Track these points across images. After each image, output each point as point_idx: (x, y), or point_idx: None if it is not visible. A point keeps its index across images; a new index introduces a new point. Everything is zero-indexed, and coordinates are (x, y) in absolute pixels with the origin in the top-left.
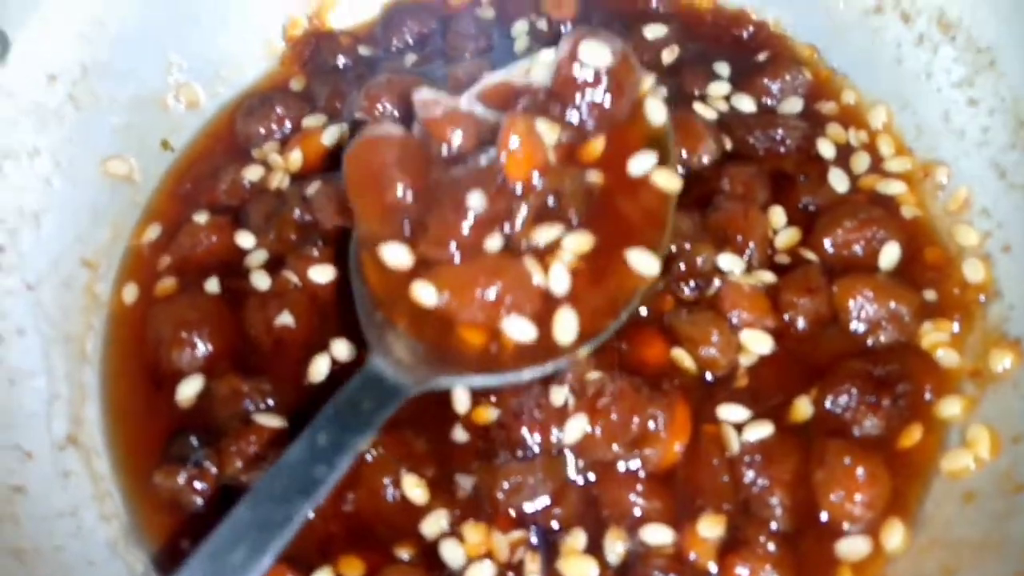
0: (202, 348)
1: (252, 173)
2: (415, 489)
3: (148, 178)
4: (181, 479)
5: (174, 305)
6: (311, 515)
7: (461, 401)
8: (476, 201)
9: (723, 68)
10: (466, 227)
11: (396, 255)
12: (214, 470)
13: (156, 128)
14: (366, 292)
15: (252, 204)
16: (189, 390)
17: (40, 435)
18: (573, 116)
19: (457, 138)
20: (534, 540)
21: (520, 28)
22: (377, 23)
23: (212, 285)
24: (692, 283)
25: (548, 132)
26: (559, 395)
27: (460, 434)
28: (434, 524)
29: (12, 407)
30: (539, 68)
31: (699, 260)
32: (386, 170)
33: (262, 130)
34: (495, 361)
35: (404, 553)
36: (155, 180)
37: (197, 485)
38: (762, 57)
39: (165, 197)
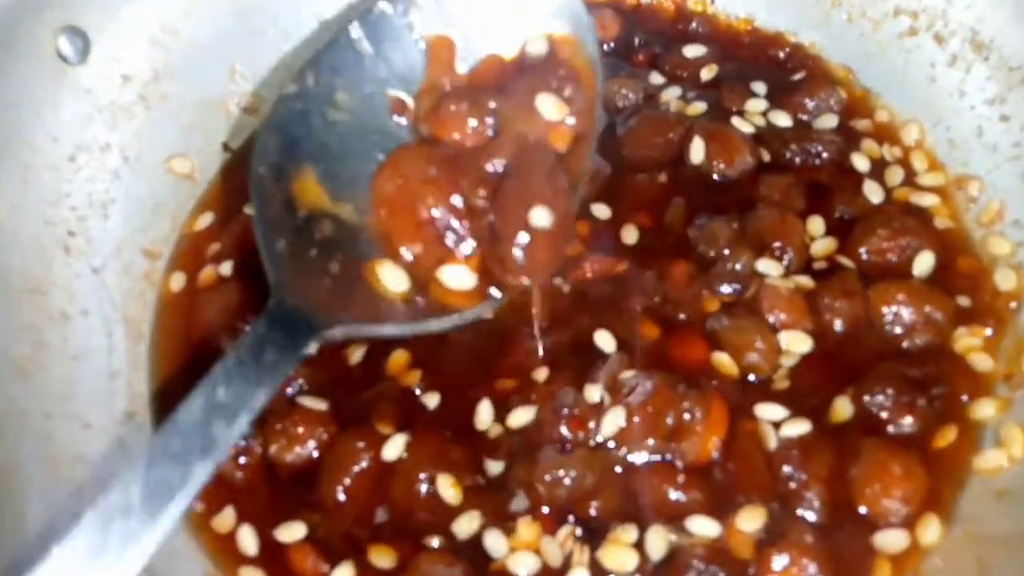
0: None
1: None
2: (449, 489)
3: (207, 176)
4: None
5: (223, 291)
6: (341, 498)
7: (483, 419)
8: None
9: (760, 87)
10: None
11: (458, 276)
12: (259, 448)
13: (217, 130)
14: (268, 220)
15: None
16: None
17: (101, 408)
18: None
19: (467, 139)
20: (579, 532)
21: None
22: None
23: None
24: (731, 285)
25: (556, 109)
26: (594, 393)
27: (495, 429)
28: (466, 524)
29: (75, 381)
30: (535, 40)
31: (737, 265)
32: (414, 189)
33: None
34: (413, 310)
35: (435, 541)
36: (213, 180)
37: (242, 461)
38: (798, 77)
39: (219, 190)
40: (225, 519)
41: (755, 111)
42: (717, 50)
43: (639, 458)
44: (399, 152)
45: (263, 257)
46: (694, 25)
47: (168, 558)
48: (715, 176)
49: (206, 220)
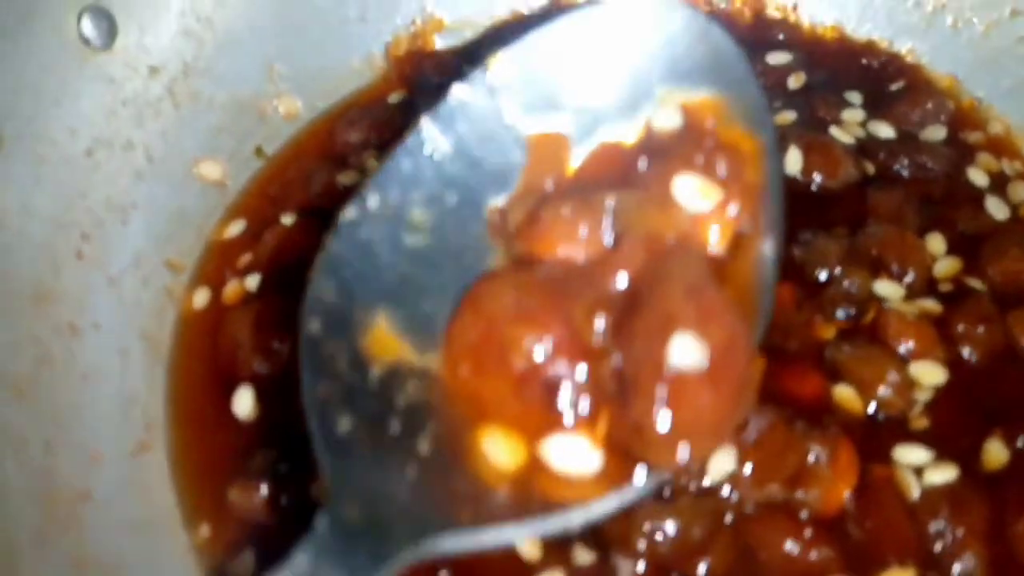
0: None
1: (347, 177)
2: (528, 543)
3: (238, 184)
4: (261, 494)
5: (250, 308)
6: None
7: None
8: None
9: (855, 96)
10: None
11: (573, 455)
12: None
13: (251, 134)
14: (325, 394)
15: None
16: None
17: (111, 438)
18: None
19: (577, 253)
20: None
21: None
22: (482, 42)
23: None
24: (845, 309)
25: (703, 194)
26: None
27: None
28: None
29: (82, 405)
30: (664, 111)
31: (852, 287)
32: (502, 332)
33: (361, 138)
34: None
35: None
36: (245, 186)
37: (282, 500)
38: (896, 86)
39: (252, 197)
40: None
41: (853, 121)
42: (803, 57)
43: (754, 507)
44: (481, 285)
45: (316, 448)
46: (775, 33)
47: None
48: (814, 189)
49: (236, 228)
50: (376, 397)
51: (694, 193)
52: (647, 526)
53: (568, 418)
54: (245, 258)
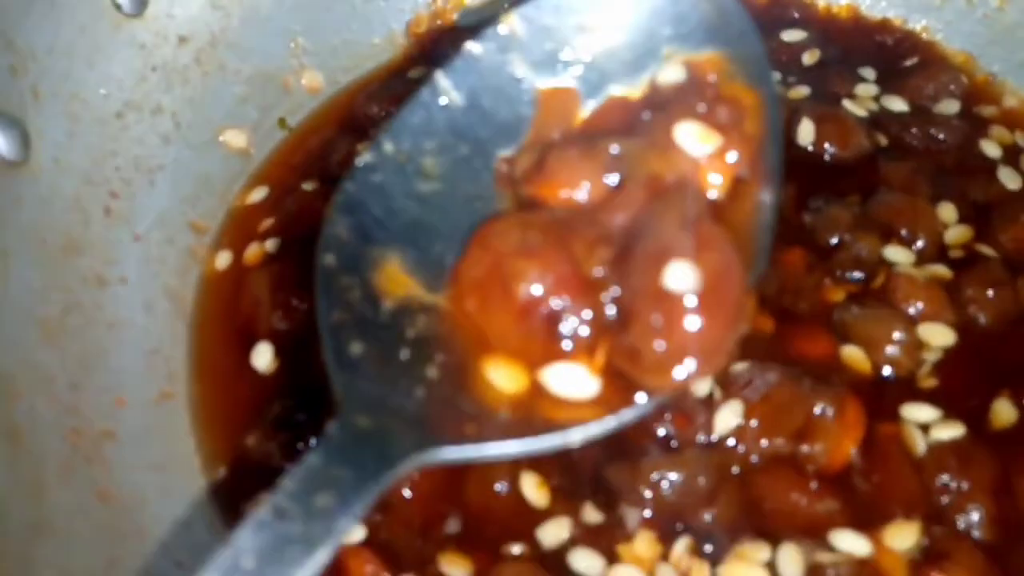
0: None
1: (366, 149)
2: (536, 490)
3: (262, 153)
4: (278, 441)
5: (269, 270)
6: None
7: None
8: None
9: (868, 72)
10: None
11: (572, 380)
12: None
13: (275, 105)
14: (339, 321)
15: None
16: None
17: (134, 385)
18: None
19: (581, 195)
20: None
21: None
22: (500, 21)
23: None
24: (856, 272)
25: (704, 139)
26: (702, 386)
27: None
28: (555, 532)
29: (108, 353)
30: (668, 68)
31: (862, 252)
32: (507, 266)
33: (380, 111)
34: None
35: (516, 548)
36: (268, 155)
37: (298, 447)
38: (910, 62)
39: (274, 165)
40: None
41: (866, 95)
42: (817, 35)
43: (761, 460)
44: (488, 224)
45: (329, 365)
46: (790, 11)
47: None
48: (827, 159)
49: (259, 195)
50: (387, 328)
51: (695, 138)
52: (653, 476)
53: (568, 347)
54: (266, 223)
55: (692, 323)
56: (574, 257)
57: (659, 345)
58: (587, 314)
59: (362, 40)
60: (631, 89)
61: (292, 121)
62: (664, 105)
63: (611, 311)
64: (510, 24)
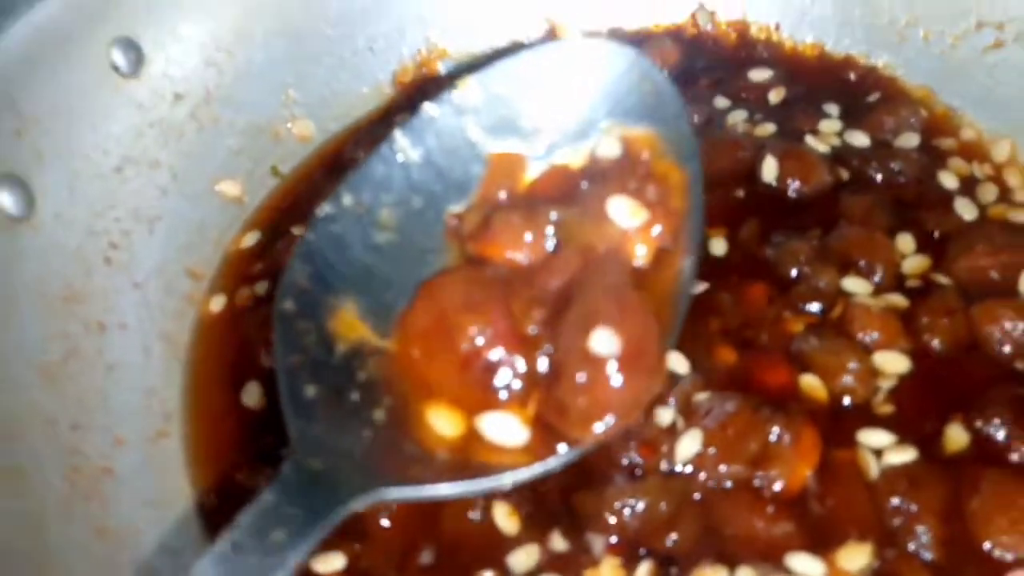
0: None
1: None
2: (507, 518)
3: (255, 200)
4: (265, 475)
5: (259, 312)
6: (386, 525)
7: None
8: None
9: (832, 108)
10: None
11: (504, 429)
12: None
13: (267, 155)
14: (295, 364)
15: None
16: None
17: (133, 424)
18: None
19: (521, 256)
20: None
21: None
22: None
23: None
24: (815, 304)
25: (633, 213)
26: (666, 415)
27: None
28: (524, 559)
29: (107, 394)
30: (607, 141)
31: (821, 283)
32: (452, 319)
33: (366, 156)
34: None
35: (487, 575)
36: (261, 202)
37: None
38: (873, 98)
39: (266, 211)
40: None
41: (830, 131)
42: (784, 74)
43: (720, 486)
44: (437, 277)
45: (285, 408)
46: (758, 51)
47: None
48: (790, 195)
49: (251, 240)
50: (339, 371)
51: (625, 212)
52: (617, 504)
53: (503, 397)
54: (257, 267)
55: (612, 383)
56: (512, 315)
57: (583, 401)
58: (521, 368)
59: (351, 90)
60: (573, 157)
61: (284, 168)
62: (601, 177)
63: (543, 366)
64: (465, 89)
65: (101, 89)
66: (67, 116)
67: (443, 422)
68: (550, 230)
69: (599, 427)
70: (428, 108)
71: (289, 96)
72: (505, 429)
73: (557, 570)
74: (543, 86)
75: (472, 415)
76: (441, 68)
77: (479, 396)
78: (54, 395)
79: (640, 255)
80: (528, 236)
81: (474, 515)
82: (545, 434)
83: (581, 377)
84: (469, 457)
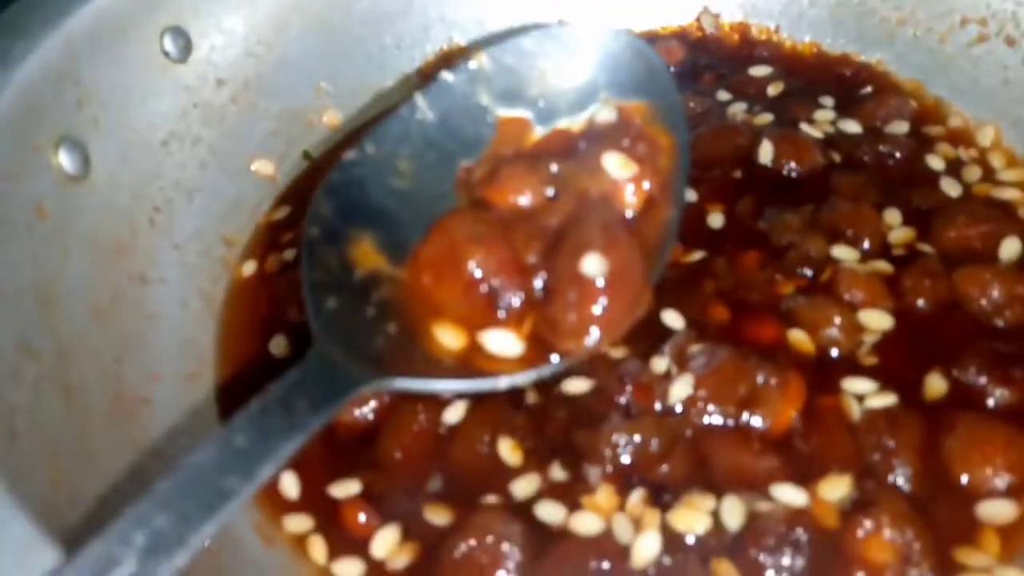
0: None
1: None
2: (511, 451)
3: (286, 179)
4: None
5: (286, 275)
6: (398, 457)
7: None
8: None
9: (827, 100)
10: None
11: (502, 343)
12: None
13: (300, 139)
14: (319, 280)
15: None
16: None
17: (169, 364)
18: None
19: (524, 200)
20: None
21: None
22: None
23: None
24: (805, 269)
25: (625, 166)
26: (661, 364)
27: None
28: (526, 486)
29: (148, 337)
30: (604, 110)
31: (811, 251)
32: (459, 249)
33: None
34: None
35: (490, 499)
36: (292, 181)
37: None
38: (866, 90)
39: (297, 189)
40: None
41: (824, 120)
42: (782, 70)
43: (710, 424)
44: (447, 217)
45: (309, 312)
46: (759, 50)
47: None
48: (785, 174)
49: (282, 213)
50: (358, 291)
51: (618, 165)
52: (613, 438)
53: (502, 316)
54: (287, 236)
55: (599, 301)
56: (513, 247)
57: (573, 317)
58: (520, 291)
59: (377, 83)
60: (573, 124)
61: (315, 153)
62: (597, 137)
63: (538, 289)
64: (479, 61)
65: (152, 71)
66: (122, 92)
67: (448, 336)
68: (551, 179)
69: (587, 340)
70: (445, 75)
71: (321, 88)
72: (502, 342)
73: (556, 496)
74: (548, 61)
75: (474, 331)
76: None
77: (481, 315)
78: (101, 331)
79: (630, 204)
80: (530, 183)
81: (480, 448)
82: (539, 347)
83: (572, 295)
84: (471, 364)
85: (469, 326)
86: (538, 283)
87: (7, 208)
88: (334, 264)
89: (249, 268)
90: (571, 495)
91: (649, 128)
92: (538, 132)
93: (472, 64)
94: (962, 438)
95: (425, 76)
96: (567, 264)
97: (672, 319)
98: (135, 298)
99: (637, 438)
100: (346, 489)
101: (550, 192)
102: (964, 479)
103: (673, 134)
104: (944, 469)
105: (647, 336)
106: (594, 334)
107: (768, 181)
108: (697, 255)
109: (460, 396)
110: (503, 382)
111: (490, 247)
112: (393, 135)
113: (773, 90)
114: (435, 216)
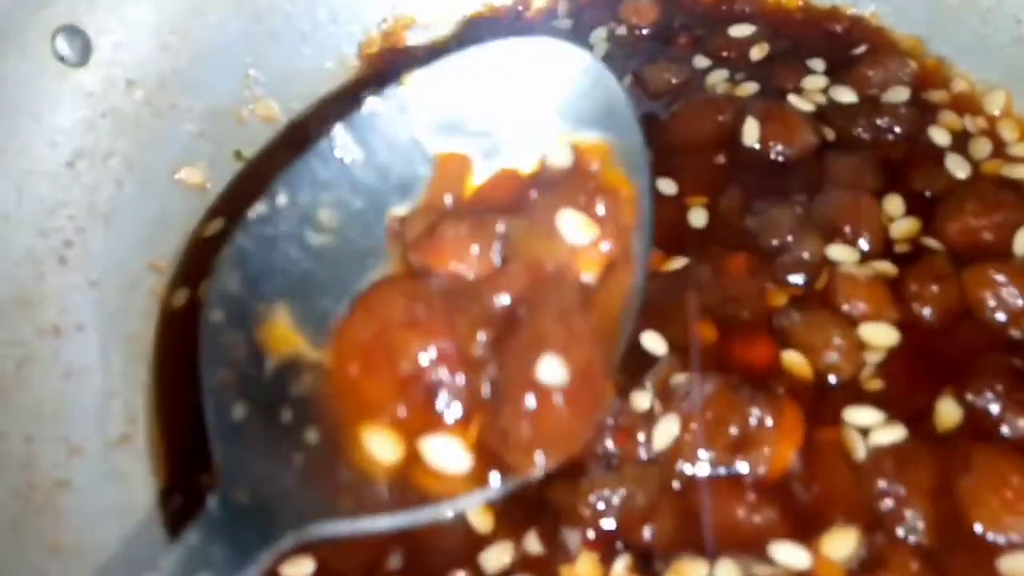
0: None
1: None
2: (479, 515)
3: (218, 186)
4: None
5: None
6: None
7: None
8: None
9: (817, 63)
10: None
11: (447, 454)
12: None
13: (230, 139)
14: (222, 382)
15: None
16: None
17: (91, 431)
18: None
19: (466, 269)
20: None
21: (599, 35)
22: (452, 38)
23: None
24: (798, 275)
25: (583, 230)
26: (643, 400)
27: None
28: (496, 557)
29: (64, 401)
30: (557, 149)
31: (805, 253)
32: (393, 335)
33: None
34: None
35: (460, 574)
36: (224, 188)
37: None
38: (860, 50)
39: (231, 197)
40: None
41: (814, 88)
42: (766, 28)
43: (699, 473)
44: (376, 289)
45: (210, 432)
46: (740, 6)
47: None
48: (773, 157)
49: (215, 227)
50: (270, 387)
51: (575, 228)
52: (592, 497)
53: (445, 420)
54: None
55: (557, 413)
56: (457, 334)
57: (527, 430)
58: (465, 390)
59: (314, 66)
60: (522, 161)
61: (248, 151)
62: (550, 188)
63: (486, 390)
64: (411, 85)
65: (47, 80)
66: (11, 111)
67: (381, 446)
68: (497, 243)
69: (540, 458)
70: (371, 103)
71: (249, 76)
72: (447, 454)
73: (532, 569)
74: (493, 85)
75: (412, 438)
76: (409, 38)
77: (419, 418)
78: (6, 408)
79: (588, 271)
80: (475, 248)
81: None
82: (487, 459)
83: (526, 405)
84: (408, 483)
85: (406, 432)
86: (485, 381)
87: None
88: (241, 355)
89: (181, 297)
90: (549, 566)
91: (609, 174)
92: (481, 171)
93: (403, 89)
94: (977, 479)
95: (368, 56)
96: (520, 364)
97: (653, 343)
98: (46, 356)
99: (618, 495)
100: (298, 568)
101: (497, 259)
102: (979, 528)
103: (635, 180)
104: (959, 514)
105: (627, 365)
106: (551, 451)
107: (755, 167)
108: (678, 262)
109: None
110: (447, 509)
111: (431, 334)
112: (310, 179)
113: (757, 53)
114: (362, 280)
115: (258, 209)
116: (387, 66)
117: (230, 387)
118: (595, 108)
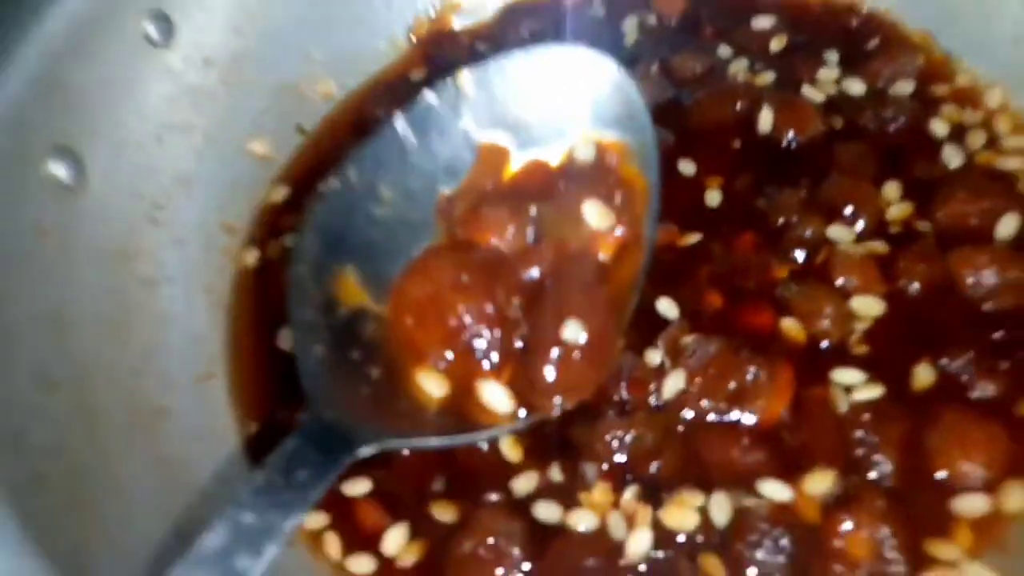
0: None
1: None
2: (510, 448)
3: (283, 157)
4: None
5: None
6: (405, 454)
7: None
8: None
9: (832, 55)
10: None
11: (496, 396)
12: None
13: (292, 113)
14: (306, 323)
15: None
16: None
17: (182, 368)
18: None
19: (504, 244)
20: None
21: (630, 24)
22: (495, 22)
23: None
24: (800, 251)
25: (602, 218)
26: (655, 356)
27: None
28: (525, 483)
29: (159, 342)
30: (583, 145)
31: (807, 232)
32: (444, 296)
33: (386, 113)
34: (449, 422)
35: (493, 496)
36: (288, 159)
37: None
38: (872, 44)
39: (294, 168)
40: None
41: (827, 79)
42: (786, 21)
43: (701, 419)
44: (428, 256)
45: (299, 366)
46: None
47: None
48: (784, 144)
49: (280, 194)
50: (342, 332)
51: (597, 215)
52: (607, 436)
53: (484, 366)
54: (287, 220)
55: (576, 366)
56: (496, 297)
57: (552, 377)
58: (500, 343)
59: (368, 47)
60: (551, 154)
61: (309, 126)
62: (576, 179)
63: (518, 344)
64: (462, 82)
65: (137, 60)
66: (106, 88)
67: (430, 383)
68: (530, 224)
69: (559, 400)
70: (427, 96)
71: (311, 55)
72: (495, 394)
73: (555, 494)
74: (531, 86)
75: (456, 380)
76: (455, 22)
77: (462, 363)
78: (115, 345)
79: (605, 251)
80: (511, 228)
81: (482, 445)
82: (516, 399)
83: (552, 357)
84: (459, 413)
85: (451, 375)
86: (517, 337)
87: (7, 236)
88: (318, 304)
89: (251, 257)
90: (569, 491)
91: (625, 169)
92: (516, 160)
93: (454, 85)
94: (944, 434)
95: (417, 37)
96: (548, 326)
97: (666, 307)
98: (144, 303)
99: (631, 435)
100: (357, 487)
101: (530, 236)
102: (943, 474)
103: (647, 175)
104: (925, 463)
105: (642, 326)
106: (568, 395)
107: (768, 152)
108: (693, 238)
109: None
110: (482, 436)
111: (475, 298)
112: (374, 160)
113: (776, 44)
114: (415, 248)
115: (333, 183)
116: (434, 47)
117: (312, 328)
118: (617, 112)
